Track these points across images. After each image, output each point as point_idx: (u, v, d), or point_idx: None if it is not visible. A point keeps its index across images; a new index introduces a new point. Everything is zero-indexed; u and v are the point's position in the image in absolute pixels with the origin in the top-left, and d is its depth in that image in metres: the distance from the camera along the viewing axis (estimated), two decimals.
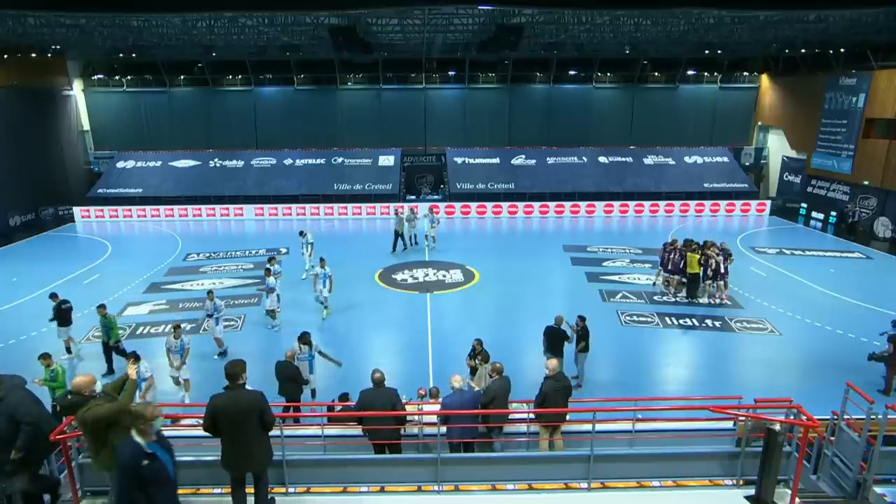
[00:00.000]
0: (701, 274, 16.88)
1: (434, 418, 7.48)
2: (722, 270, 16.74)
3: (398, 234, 22.36)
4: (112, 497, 5.73)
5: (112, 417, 5.42)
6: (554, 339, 11.50)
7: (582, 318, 11.87)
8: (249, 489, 5.90)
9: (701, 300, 16.92)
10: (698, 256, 16.72)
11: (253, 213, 30.11)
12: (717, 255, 16.83)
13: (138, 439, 4.64)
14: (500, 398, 7.78)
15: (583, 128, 34.90)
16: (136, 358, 9.25)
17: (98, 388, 5.74)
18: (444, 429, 7.05)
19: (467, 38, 26.14)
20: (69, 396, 5.62)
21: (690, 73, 34.30)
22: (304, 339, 10.74)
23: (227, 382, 5.68)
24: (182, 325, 12.01)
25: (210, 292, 13.87)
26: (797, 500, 6.14)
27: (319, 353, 10.89)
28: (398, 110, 34.67)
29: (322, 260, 15.77)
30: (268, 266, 15.51)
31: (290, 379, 9.91)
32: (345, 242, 25.29)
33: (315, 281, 15.85)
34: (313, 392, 11.06)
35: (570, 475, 6.63)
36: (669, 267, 17.49)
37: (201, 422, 5.71)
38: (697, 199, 30.46)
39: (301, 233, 20.11)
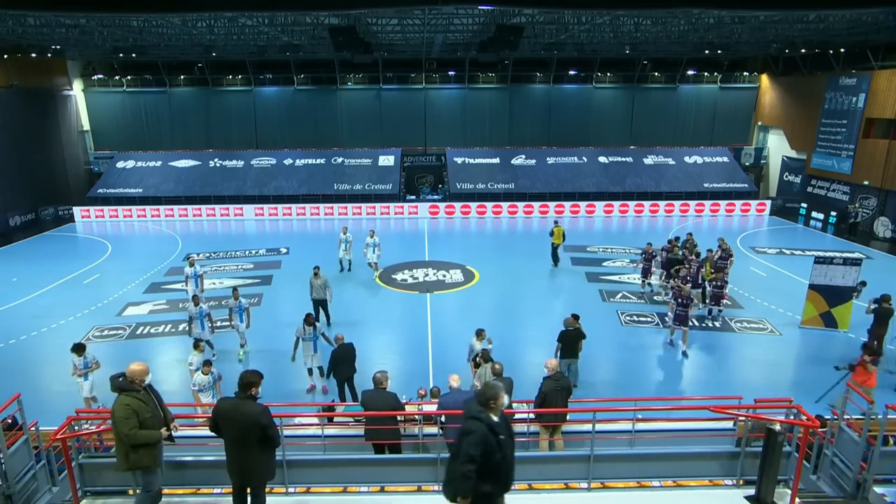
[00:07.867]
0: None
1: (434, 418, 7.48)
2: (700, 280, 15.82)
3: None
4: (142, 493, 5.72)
5: (113, 420, 5.42)
6: (571, 343, 11.33)
7: (575, 317, 11.61)
8: None
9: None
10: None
11: (253, 213, 30.12)
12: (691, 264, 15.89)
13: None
14: None
15: (583, 128, 34.94)
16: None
17: (148, 380, 5.61)
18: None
19: (467, 38, 26.12)
20: (121, 379, 5.50)
21: (690, 73, 34.30)
22: (309, 320, 11.44)
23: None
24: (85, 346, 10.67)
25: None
26: (797, 500, 6.15)
27: (322, 335, 11.60)
28: (398, 110, 34.69)
29: (235, 290, 14.10)
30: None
31: (345, 361, 10.58)
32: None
33: (230, 316, 13.68)
34: (321, 370, 11.48)
35: (570, 475, 6.63)
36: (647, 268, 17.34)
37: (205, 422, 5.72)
38: (697, 199, 30.46)
39: (188, 260, 16.47)
